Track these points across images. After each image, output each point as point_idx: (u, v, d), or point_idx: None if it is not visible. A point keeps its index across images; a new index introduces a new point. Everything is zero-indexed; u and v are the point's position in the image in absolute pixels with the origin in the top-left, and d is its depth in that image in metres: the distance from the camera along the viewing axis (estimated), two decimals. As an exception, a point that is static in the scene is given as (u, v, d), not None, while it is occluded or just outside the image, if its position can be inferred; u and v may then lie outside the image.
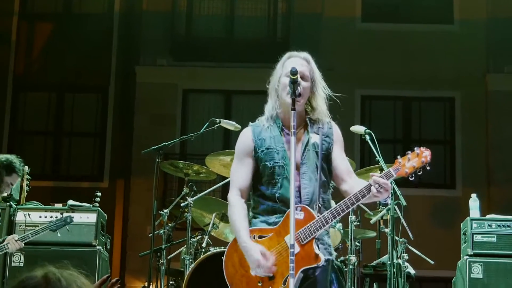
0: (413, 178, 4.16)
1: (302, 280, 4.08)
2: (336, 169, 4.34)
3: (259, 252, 4.08)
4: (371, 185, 4.05)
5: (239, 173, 4.33)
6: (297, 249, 4.01)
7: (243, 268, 4.16)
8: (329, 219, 4.10)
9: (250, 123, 4.45)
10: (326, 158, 4.28)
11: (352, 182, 4.31)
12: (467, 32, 15.85)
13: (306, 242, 4.08)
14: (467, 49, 15.71)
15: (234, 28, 16.19)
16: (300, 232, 4.07)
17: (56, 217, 6.18)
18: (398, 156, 4.19)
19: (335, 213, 4.10)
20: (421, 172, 4.17)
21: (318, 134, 4.28)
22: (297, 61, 4.26)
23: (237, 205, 4.26)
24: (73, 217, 6.18)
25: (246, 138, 4.36)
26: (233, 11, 16.26)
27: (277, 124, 4.31)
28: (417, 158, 4.15)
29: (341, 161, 4.36)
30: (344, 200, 4.12)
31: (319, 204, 4.17)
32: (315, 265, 4.07)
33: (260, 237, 4.18)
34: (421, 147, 4.20)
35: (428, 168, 4.15)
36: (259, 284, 4.11)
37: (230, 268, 4.23)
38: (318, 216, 4.10)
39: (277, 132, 4.29)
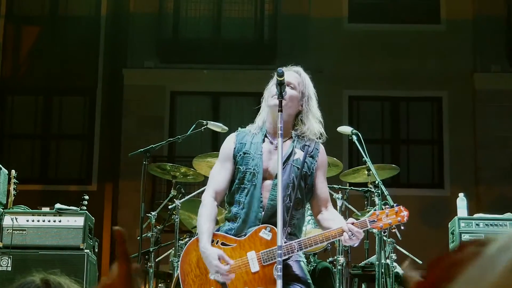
0: (385, 233, 4.26)
1: None
2: (315, 198, 4.34)
3: (217, 258, 4.07)
4: (343, 230, 4.06)
5: (218, 176, 4.34)
6: (256, 268, 4.05)
7: (199, 270, 4.16)
8: (295, 249, 4.10)
9: (240, 128, 4.46)
10: (305, 176, 4.26)
11: (327, 215, 4.32)
12: (454, 32, 15.90)
13: (267, 264, 4.08)
14: (454, 48, 15.76)
15: (221, 30, 16.16)
16: (264, 252, 4.09)
17: None
18: (376, 208, 4.26)
19: (303, 246, 4.11)
20: (395, 229, 4.29)
21: (303, 151, 4.26)
22: (288, 72, 4.22)
23: (208, 205, 4.26)
24: None
25: (229, 143, 4.38)
26: (220, 13, 16.22)
27: (262, 132, 4.31)
28: (394, 216, 4.23)
29: (321, 190, 4.35)
30: (315, 236, 4.13)
31: (288, 220, 4.13)
32: None
33: (223, 244, 4.18)
34: (401, 207, 4.28)
35: (402, 228, 4.28)
36: None
37: (186, 265, 4.23)
38: (285, 242, 4.05)
39: (259, 139, 4.29)
